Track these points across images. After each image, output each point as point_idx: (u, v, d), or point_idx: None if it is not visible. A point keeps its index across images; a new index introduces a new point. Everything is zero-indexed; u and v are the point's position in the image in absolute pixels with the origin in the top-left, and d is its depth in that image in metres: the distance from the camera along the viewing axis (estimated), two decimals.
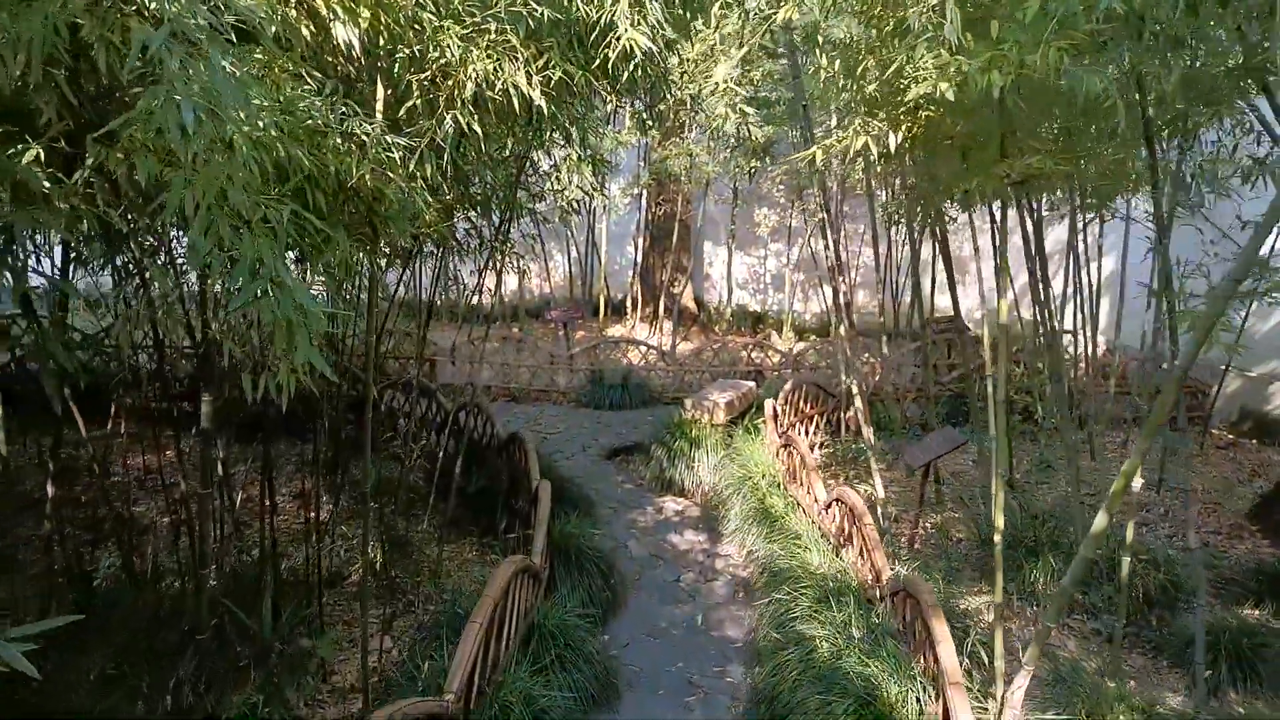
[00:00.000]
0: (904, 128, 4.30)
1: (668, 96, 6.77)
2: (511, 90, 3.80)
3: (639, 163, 12.63)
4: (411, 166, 3.66)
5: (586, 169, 5.85)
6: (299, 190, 3.01)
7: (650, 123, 6.36)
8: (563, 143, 6.03)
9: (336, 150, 3.24)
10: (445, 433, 8.10)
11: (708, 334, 14.76)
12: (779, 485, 6.84)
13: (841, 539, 5.44)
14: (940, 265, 15.42)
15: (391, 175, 3.44)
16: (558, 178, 6.35)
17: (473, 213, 5.84)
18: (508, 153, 5.98)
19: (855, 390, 7.47)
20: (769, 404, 8.11)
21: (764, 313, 15.82)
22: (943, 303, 16.05)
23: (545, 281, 15.30)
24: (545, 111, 4.08)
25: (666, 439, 8.30)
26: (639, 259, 14.75)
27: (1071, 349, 11.43)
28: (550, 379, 11.42)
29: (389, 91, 3.78)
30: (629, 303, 14.76)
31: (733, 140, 11.42)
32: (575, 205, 7.68)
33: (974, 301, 16.02)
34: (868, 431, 6.84)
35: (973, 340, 11.97)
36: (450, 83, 3.76)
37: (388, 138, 3.44)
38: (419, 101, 3.78)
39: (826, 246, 7.42)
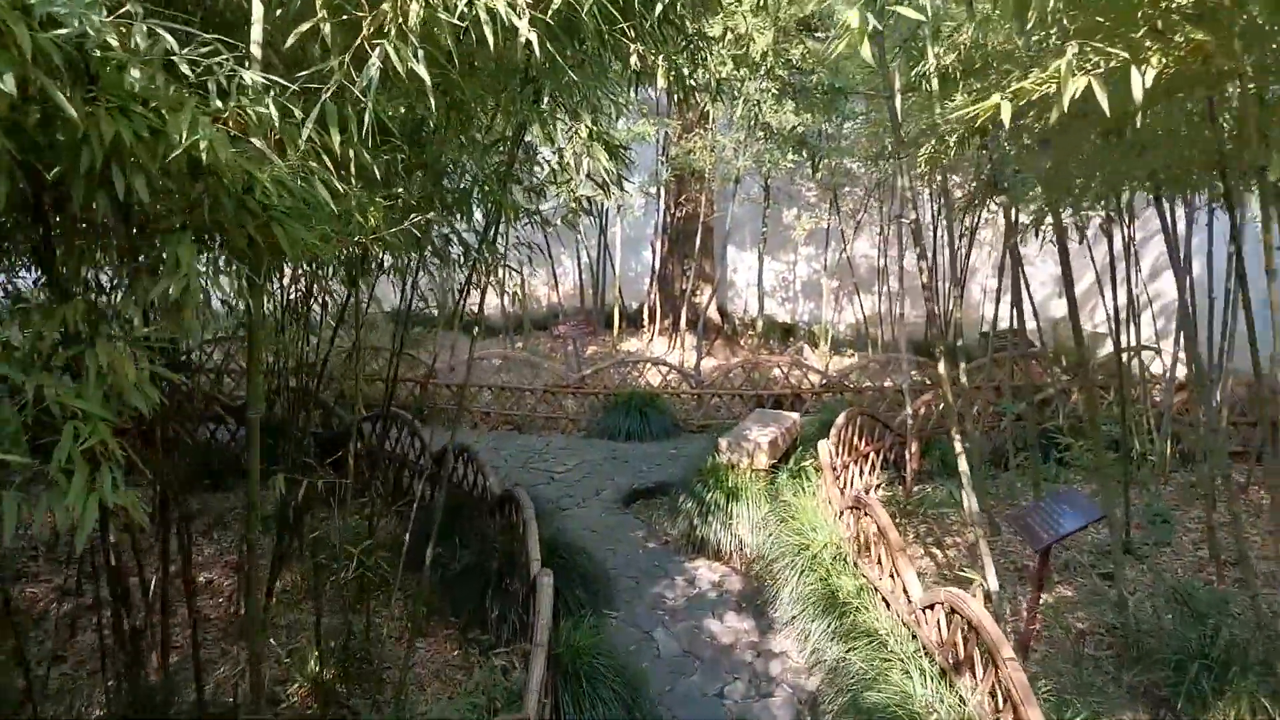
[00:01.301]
0: (1157, 58, 2.68)
1: (705, 60, 5.35)
2: (486, 16, 2.37)
3: (658, 157, 11.18)
4: (305, 135, 2.21)
5: (600, 153, 4.38)
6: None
7: (681, 93, 4.88)
8: (568, 120, 4.59)
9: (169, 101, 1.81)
10: (426, 482, 6.70)
11: (733, 348, 13.29)
12: (846, 559, 5.36)
13: (953, 660, 3.96)
14: (985, 272, 13.91)
15: (262, 145, 2.00)
16: (564, 167, 4.89)
17: (452, 215, 4.41)
18: (493, 130, 4.54)
19: (913, 416, 6.04)
20: (824, 448, 6.63)
21: (794, 324, 14.34)
22: (992, 313, 14.54)
23: (553, 290, 13.86)
24: (541, 60, 2.65)
25: (698, 488, 6.83)
26: (657, 265, 13.31)
27: (1155, 369, 9.93)
28: (559, 404, 9.99)
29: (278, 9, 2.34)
30: (646, 314, 13.31)
31: (765, 131, 9.97)
32: (586, 204, 6.24)
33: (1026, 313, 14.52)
34: (969, 495, 5.34)
35: (1035, 356, 10.46)
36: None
37: (255, 78, 2.00)
38: (331, 29, 2.33)
39: (920, 255, 5.93)
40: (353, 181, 2.76)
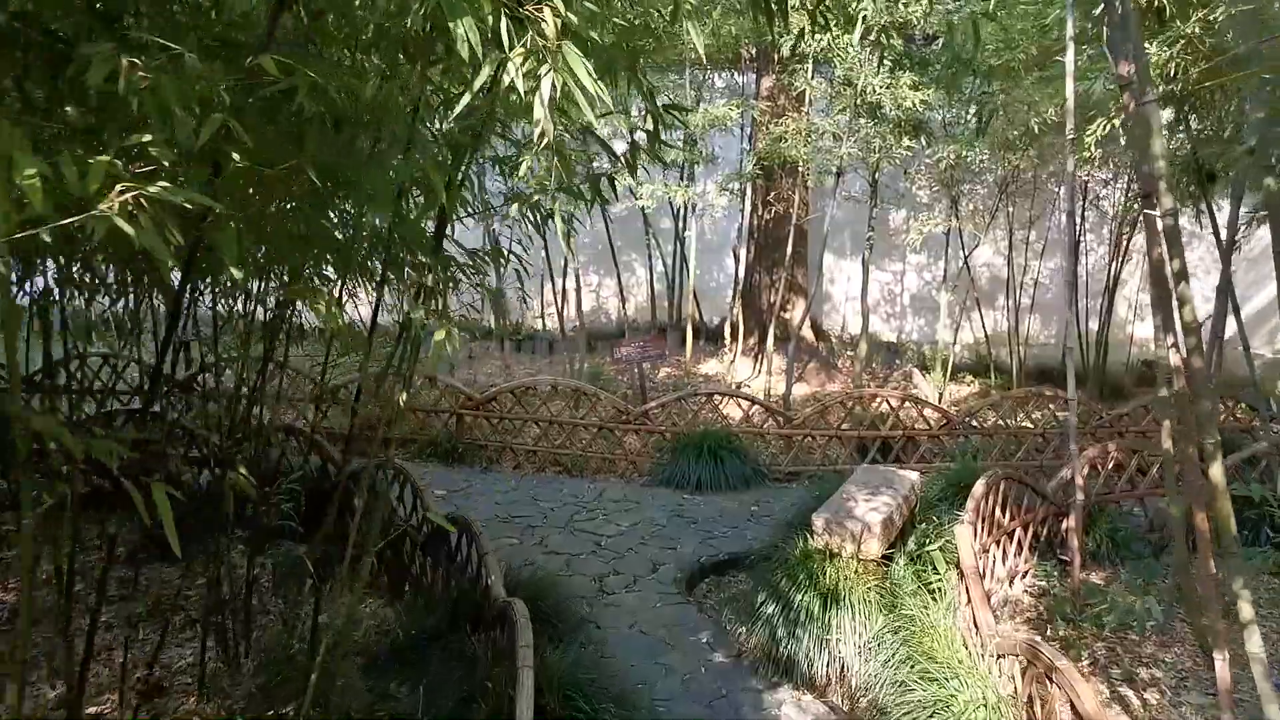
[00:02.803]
0: None
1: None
2: None
3: (743, 149, 9.39)
4: None
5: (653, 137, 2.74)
6: None
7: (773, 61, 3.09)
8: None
9: None
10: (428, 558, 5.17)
11: (829, 372, 11.37)
12: None
13: None
14: (1134, 285, 11.61)
15: None
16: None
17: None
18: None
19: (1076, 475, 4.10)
20: (963, 541, 4.75)
21: (901, 343, 12.32)
22: (1141, 333, 12.22)
23: (625, 301, 12.21)
24: None
25: (782, 583, 5.04)
26: (741, 275, 11.51)
27: None
28: (617, 442, 8.31)
29: None
30: (728, 331, 11.52)
31: (873, 112, 8.08)
32: (593, 189, 4.55)
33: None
34: (1248, 634, 3.40)
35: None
36: None
37: None
38: None
39: (1176, 257, 3.97)
40: None
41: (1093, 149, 6.08)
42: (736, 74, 11.49)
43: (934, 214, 10.50)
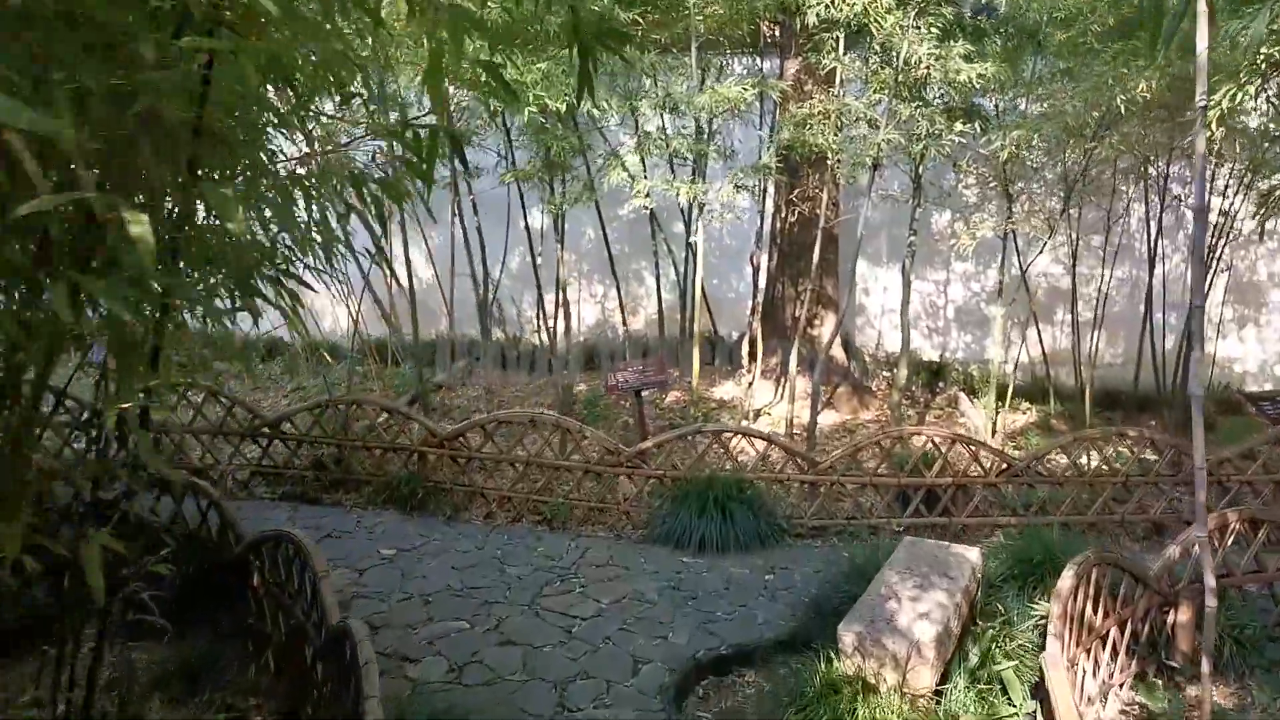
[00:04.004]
0: None
1: None
2: None
3: (760, 134, 7.98)
4: None
5: None
6: None
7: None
8: None
9: None
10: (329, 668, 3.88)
11: (862, 398, 9.93)
12: None
13: None
14: (1219, 300, 10.03)
15: None
16: None
17: None
18: None
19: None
20: (1060, 689, 3.33)
21: (945, 363, 10.84)
22: (1225, 352, 10.62)
23: (627, 315, 10.86)
24: None
25: None
26: (761, 284, 10.10)
27: None
28: (609, 487, 6.96)
29: None
30: (746, 349, 10.11)
31: (915, 91, 6.67)
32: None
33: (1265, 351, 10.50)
34: None
35: None
36: None
37: None
38: None
39: None
40: None
41: (1214, 128, 4.62)
42: (757, 58, 10.10)
43: (985, 215, 9.01)
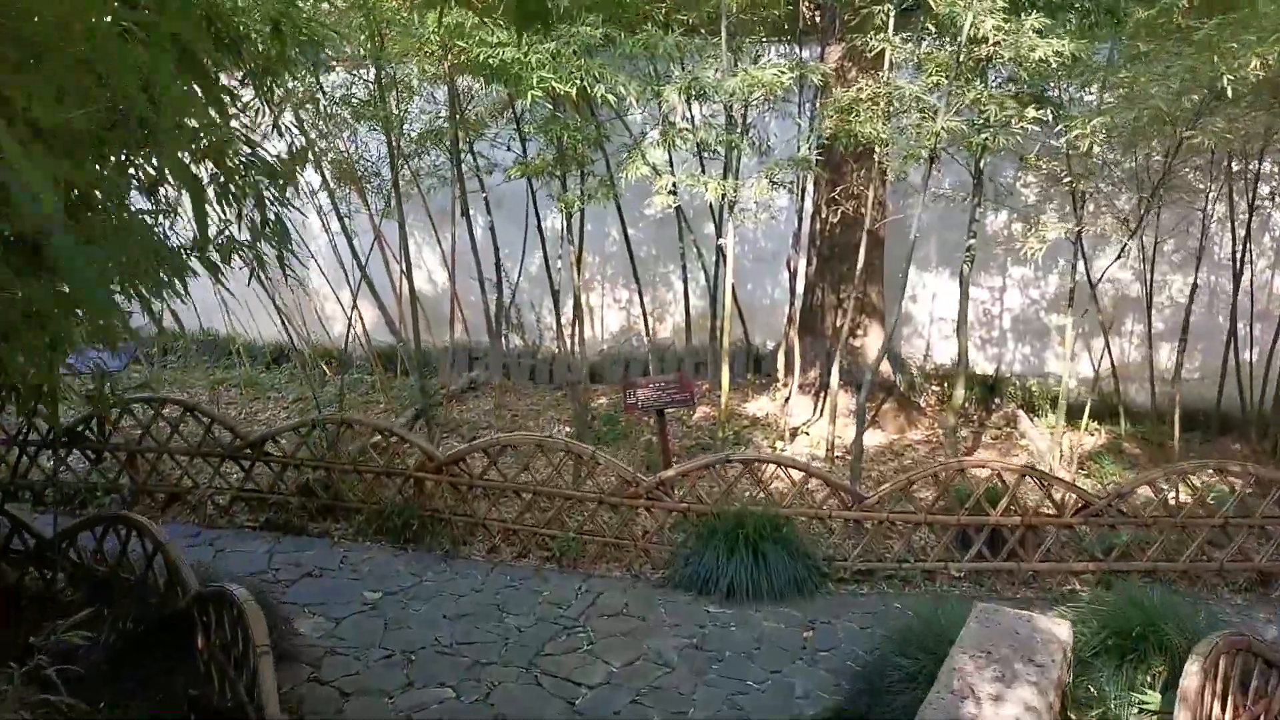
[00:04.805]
0: None
1: None
2: None
3: (798, 123, 7.11)
4: None
5: None
6: None
7: None
8: None
9: None
10: None
11: (910, 415, 9.02)
12: None
13: None
14: None
15: None
16: None
17: None
18: None
19: None
20: None
21: (1000, 377, 9.89)
22: None
23: (650, 322, 10.05)
24: None
25: None
26: (799, 289, 9.24)
27: None
28: (626, 520, 6.16)
29: None
30: (781, 361, 9.26)
31: (977, 71, 5.80)
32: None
33: None
34: None
35: None
36: None
37: None
38: None
39: None
40: None
41: None
42: (794, 46, 9.24)
43: (1047, 215, 8.07)
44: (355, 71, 8.29)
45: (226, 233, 3.89)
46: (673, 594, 5.64)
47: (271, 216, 3.77)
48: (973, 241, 6.88)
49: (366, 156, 9.16)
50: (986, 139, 5.89)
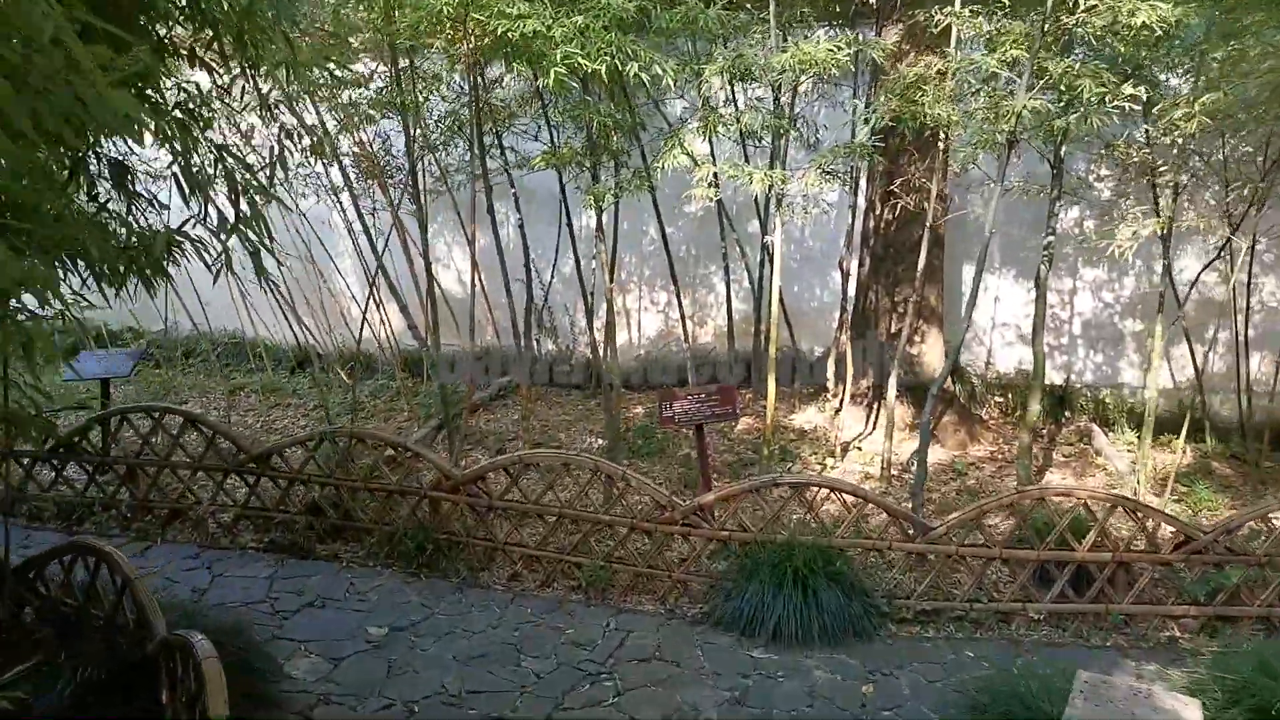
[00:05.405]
0: None
1: None
2: None
3: (855, 103, 6.42)
4: None
5: None
6: None
7: None
8: None
9: None
10: None
11: (970, 428, 8.29)
12: None
13: None
14: None
15: None
16: None
17: None
18: None
19: None
20: None
21: (1070, 388, 9.09)
22: None
23: (688, 326, 9.41)
24: None
25: None
26: (851, 293, 8.54)
27: None
28: (660, 547, 5.53)
29: None
30: (831, 368, 8.56)
31: (1061, 42, 5.08)
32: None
33: None
34: None
35: None
36: None
37: None
38: None
39: None
40: None
41: None
42: (846, 30, 8.53)
43: (1132, 210, 7.28)
44: (376, 60, 7.82)
45: (195, 226, 3.36)
46: (712, 634, 5.01)
47: (245, 208, 3.22)
48: (1051, 239, 6.14)
49: (391, 152, 8.67)
50: (1073, 120, 5.15)
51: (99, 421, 6.44)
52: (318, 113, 7.49)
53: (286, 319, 8.57)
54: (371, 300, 8.80)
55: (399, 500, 5.92)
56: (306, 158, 7.78)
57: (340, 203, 8.67)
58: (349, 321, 9.89)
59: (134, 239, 3.47)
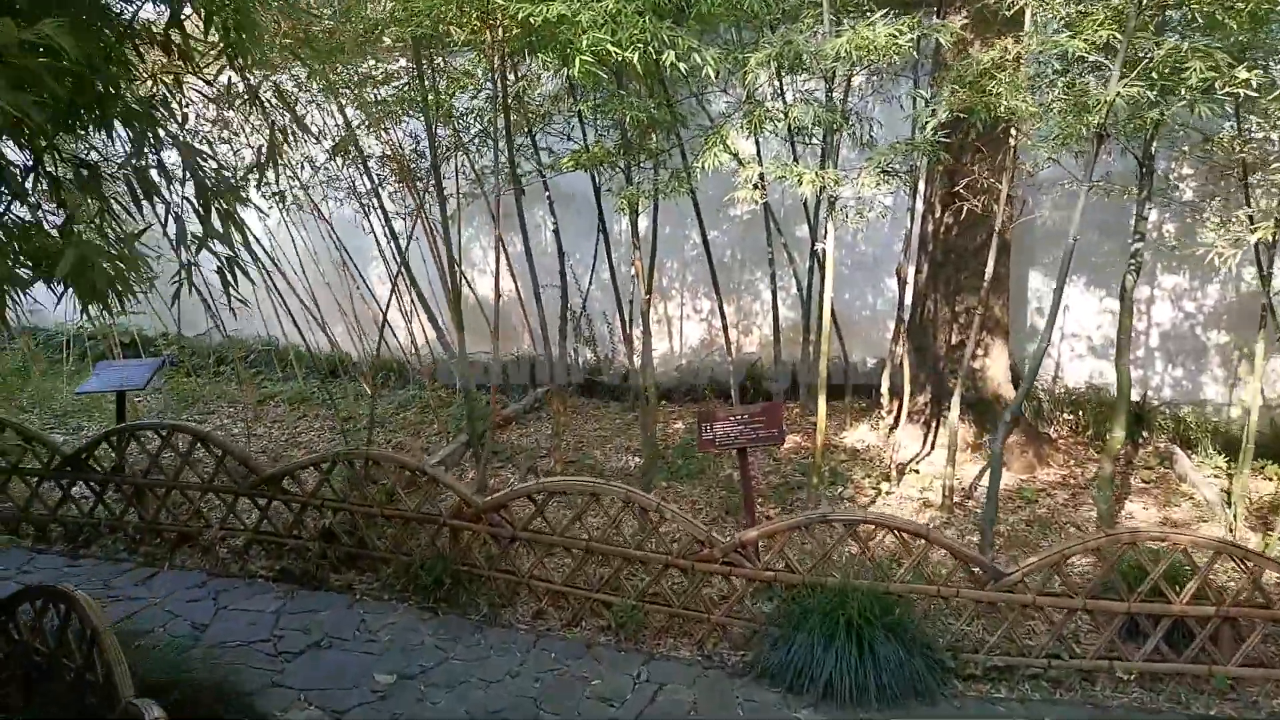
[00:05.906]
0: None
1: None
2: None
3: (917, 93, 5.81)
4: None
5: None
6: None
7: None
8: None
9: None
10: None
11: (1038, 449, 7.61)
12: None
13: None
14: None
15: None
16: None
17: None
18: None
19: None
20: None
21: (1147, 405, 8.34)
22: None
23: (731, 337, 8.85)
24: None
25: None
26: (908, 302, 7.91)
27: None
28: (697, 586, 5.01)
29: None
30: (886, 382, 7.95)
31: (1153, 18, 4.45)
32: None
33: None
34: None
35: None
36: None
37: None
38: None
39: None
40: None
41: None
42: (905, 16, 7.91)
43: (1215, 212, 6.57)
44: (403, 57, 7.43)
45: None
46: (754, 688, 4.48)
47: (214, 215, 2.79)
48: (1139, 245, 5.48)
49: (423, 153, 8.28)
50: (1176, 109, 4.51)
51: (108, 437, 6.12)
52: (341, 111, 7.12)
53: (322, 327, 8.26)
54: (399, 307, 8.43)
55: (417, 528, 5.48)
56: (331, 159, 7.42)
57: (369, 207, 8.31)
58: (383, 329, 9.54)
59: (110, 249, 3.07)
